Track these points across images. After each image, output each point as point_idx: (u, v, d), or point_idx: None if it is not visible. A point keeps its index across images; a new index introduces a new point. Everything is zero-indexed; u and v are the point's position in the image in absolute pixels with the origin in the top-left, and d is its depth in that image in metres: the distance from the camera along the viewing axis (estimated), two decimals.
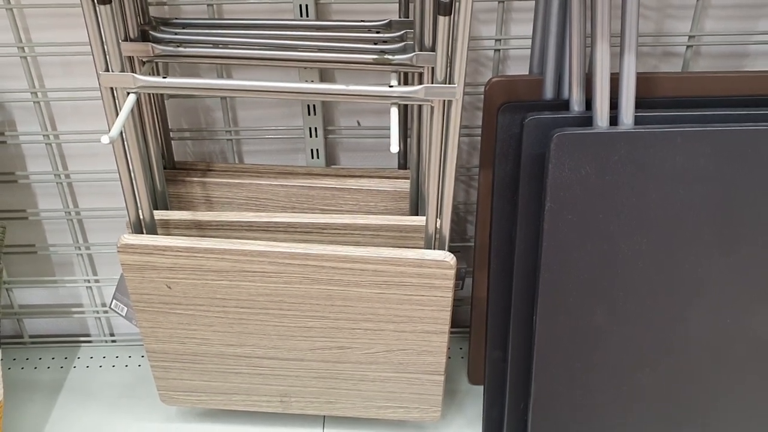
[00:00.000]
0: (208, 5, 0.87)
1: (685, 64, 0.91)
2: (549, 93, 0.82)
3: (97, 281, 1.10)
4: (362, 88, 0.71)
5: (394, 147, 0.65)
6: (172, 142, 0.93)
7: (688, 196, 0.76)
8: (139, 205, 0.81)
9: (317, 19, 0.87)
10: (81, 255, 1.07)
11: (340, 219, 0.84)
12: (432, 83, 0.71)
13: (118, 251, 0.81)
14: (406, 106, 0.87)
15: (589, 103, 0.78)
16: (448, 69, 0.70)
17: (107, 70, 0.71)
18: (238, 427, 1.01)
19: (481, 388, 1.05)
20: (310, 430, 1.00)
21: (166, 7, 0.88)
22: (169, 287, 0.84)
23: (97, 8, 0.67)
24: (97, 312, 1.13)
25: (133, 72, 0.72)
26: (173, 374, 0.93)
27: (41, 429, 1.01)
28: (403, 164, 0.95)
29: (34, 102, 0.94)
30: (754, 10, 0.89)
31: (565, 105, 0.80)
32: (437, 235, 0.80)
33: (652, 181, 0.75)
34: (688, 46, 0.90)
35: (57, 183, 1.00)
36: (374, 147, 1.00)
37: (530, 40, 0.85)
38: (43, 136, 0.96)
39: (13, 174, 1.00)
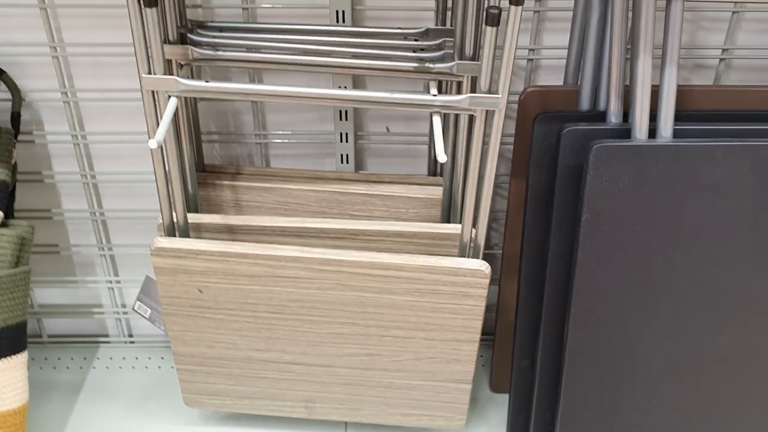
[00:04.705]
0: (243, 9, 0.87)
1: (717, 77, 0.92)
2: (585, 104, 0.82)
3: (118, 282, 1.10)
4: (406, 96, 0.70)
5: (441, 156, 0.65)
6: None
7: (725, 209, 0.76)
8: (173, 207, 0.81)
9: (354, 26, 0.87)
10: (104, 256, 1.06)
11: (373, 225, 0.83)
12: (472, 92, 0.71)
13: (151, 254, 0.80)
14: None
15: (626, 115, 0.78)
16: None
17: (150, 72, 0.70)
18: (259, 431, 1.01)
19: (503, 396, 1.05)
20: None
21: (200, 9, 0.88)
22: (201, 291, 0.83)
23: (143, 11, 0.67)
24: (118, 313, 1.12)
25: (170, 75, 0.72)
26: (199, 378, 0.93)
27: (62, 429, 1.01)
28: (432, 171, 0.95)
29: (63, 102, 0.93)
30: None
31: (602, 116, 0.80)
32: (472, 244, 0.80)
33: (689, 194, 0.75)
34: (721, 59, 0.90)
35: (83, 183, 0.99)
36: (402, 153, 0.99)
37: (562, 51, 0.85)
38: (72, 136, 0.96)
39: (40, 173, 0.99)
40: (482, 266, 0.79)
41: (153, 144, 0.64)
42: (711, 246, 0.77)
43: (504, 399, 1.04)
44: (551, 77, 0.94)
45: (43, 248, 1.05)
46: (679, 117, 0.79)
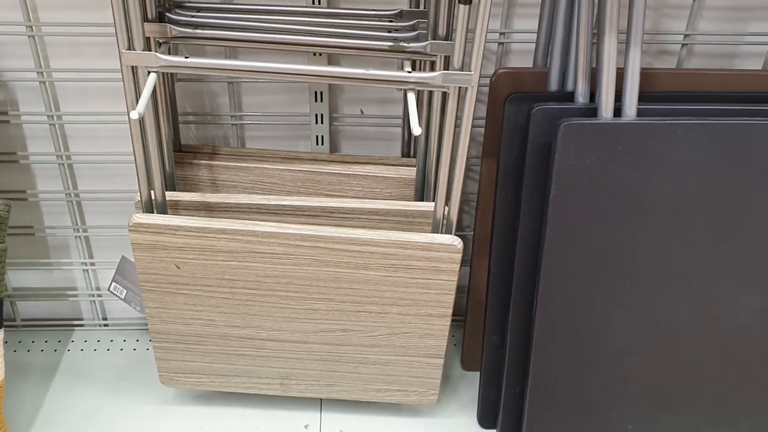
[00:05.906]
0: None
1: (680, 62, 0.95)
2: (554, 85, 0.85)
3: (92, 264, 1.10)
4: (381, 72, 0.72)
5: (416, 129, 0.67)
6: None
7: (686, 185, 0.79)
8: (151, 185, 0.82)
9: (330, 7, 0.89)
10: (79, 237, 1.07)
11: (349, 203, 0.85)
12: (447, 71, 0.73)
13: (130, 230, 0.81)
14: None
15: (592, 96, 0.81)
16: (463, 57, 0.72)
17: (130, 48, 0.71)
18: (234, 409, 1.02)
19: (474, 374, 1.08)
20: (307, 413, 1.02)
21: None
22: (178, 267, 0.85)
23: None
24: (92, 296, 1.13)
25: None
26: (175, 355, 0.94)
27: (38, 410, 1.01)
28: (406, 152, 0.97)
29: (39, 82, 0.94)
30: (744, 12, 0.93)
31: (570, 97, 0.83)
32: (445, 221, 0.83)
33: (653, 170, 0.79)
34: (683, 45, 0.94)
35: (59, 164, 1.00)
36: (376, 135, 1.02)
37: (531, 35, 0.88)
38: (47, 116, 0.96)
39: (15, 154, 0.99)
40: (455, 241, 0.81)
41: (134, 114, 0.65)
42: (673, 220, 0.81)
43: (475, 377, 1.06)
44: (520, 62, 0.96)
45: (17, 230, 1.05)
46: (643, 98, 0.82)
